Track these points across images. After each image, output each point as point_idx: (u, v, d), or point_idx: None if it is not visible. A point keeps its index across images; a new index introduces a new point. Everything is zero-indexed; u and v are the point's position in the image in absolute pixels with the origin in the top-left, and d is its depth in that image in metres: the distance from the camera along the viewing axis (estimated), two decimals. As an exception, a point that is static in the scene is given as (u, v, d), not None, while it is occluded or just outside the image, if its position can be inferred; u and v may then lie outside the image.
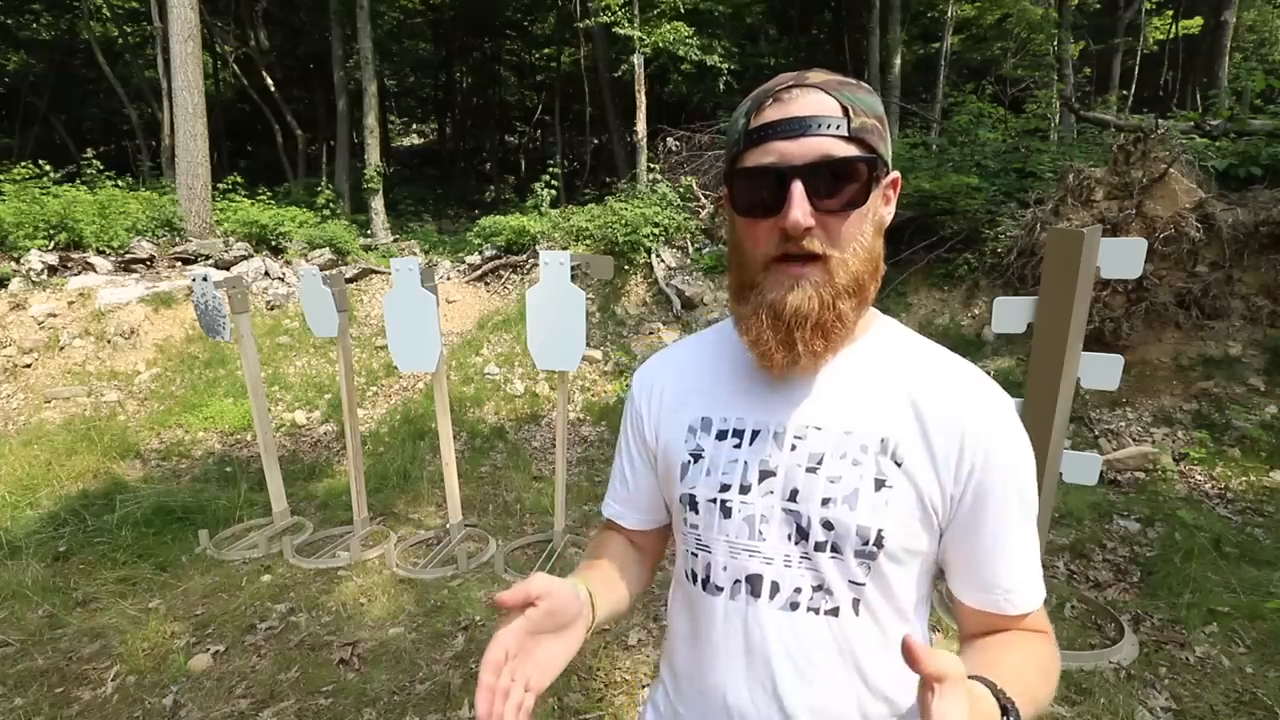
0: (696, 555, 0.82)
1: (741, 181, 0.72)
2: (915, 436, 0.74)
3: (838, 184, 0.69)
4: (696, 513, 0.80)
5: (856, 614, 0.75)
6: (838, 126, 0.68)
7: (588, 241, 7.46)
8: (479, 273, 7.73)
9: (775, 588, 0.76)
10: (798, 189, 0.68)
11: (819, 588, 0.75)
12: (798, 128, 0.68)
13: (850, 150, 0.69)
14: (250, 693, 2.49)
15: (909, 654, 0.54)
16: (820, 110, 0.69)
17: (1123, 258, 2.51)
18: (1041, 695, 0.71)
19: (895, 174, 0.76)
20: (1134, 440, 4.33)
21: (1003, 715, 0.61)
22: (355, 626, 2.88)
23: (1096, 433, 4.44)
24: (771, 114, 0.70)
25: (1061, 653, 2.69)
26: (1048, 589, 2.97)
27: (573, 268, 3.16)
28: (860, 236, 0.72)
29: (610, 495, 0.98)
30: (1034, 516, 0.76)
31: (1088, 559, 3.25)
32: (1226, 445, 4.11)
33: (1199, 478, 3.91)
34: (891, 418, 0.75)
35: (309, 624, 2.90)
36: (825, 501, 0.74)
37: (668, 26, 9.08)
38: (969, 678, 0.59)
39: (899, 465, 0.73)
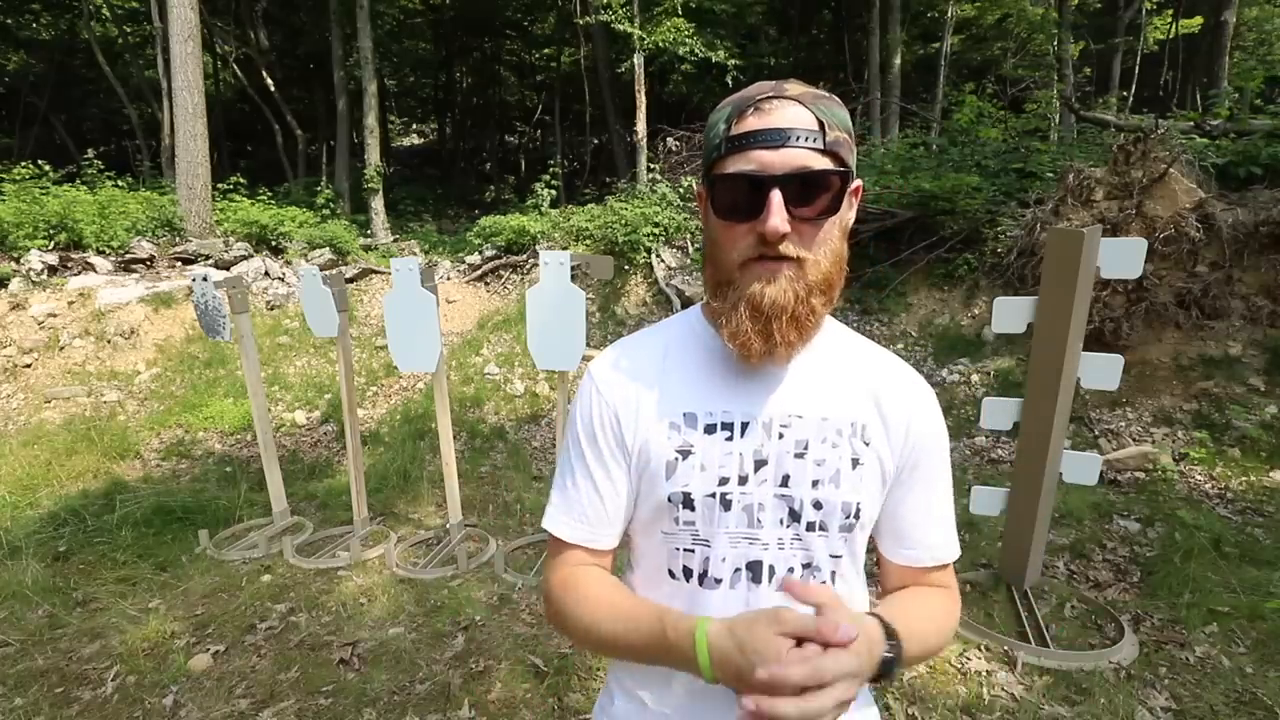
0: (693, 551, 0.82)
1: (722, 185, 0.76)
2: (876, 419, 0.84)
3: (813, 194, 0.73)
4: (692, 509, 0.80)
5: (834, 584, 0.83)
6: (814, 140, 0.73)
7: (588, 241, 7.46)
8: (479, 273, 7.73)
9: (772, 571, 0.81)
10: (776, 197, 0.72)
11: (808, 565, 0.81)
12: (778, 139, 0.72)
13: (825, 163, 0.73)
14: (250, 693, 2.49)
15: (790, 591, 0.69)
16: (798, 123, 0.73)
17: (1123, 258, 2.51)
18: (930, 635, 0.82)
19: (858, 182, 0.81)
20: (1134, 440, 4.33)
21: (887, 637, 0.72)
22: (355, 626, 2.88)
23: (1096, 433, 4.44)
24: (753, 123, 0.74)
25: (1061, 653, 2.68)
26: (1048, 589, 2.98)
27: (573, 268, 3.16)
28: (830, 240, 0.77)
29: (570, 514, 0.86)
30: (951, 485, 0.90)
31: (1088, 559, 3.25)
32: (1226, 445, 4.11)
33: (1199, 478, 3.91)
34: (857, 404, 0.84)
35: (309, 624, 2.90)
36: (815, 483, 0.80)
37: (668, 25, 9.08)
38: (868, 613, 0.75)
39: (867, 445, 0.83)
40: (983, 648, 2.58)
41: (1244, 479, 3.83)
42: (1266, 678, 2.37)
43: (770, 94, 0.74)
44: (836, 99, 0.77)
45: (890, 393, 0.85)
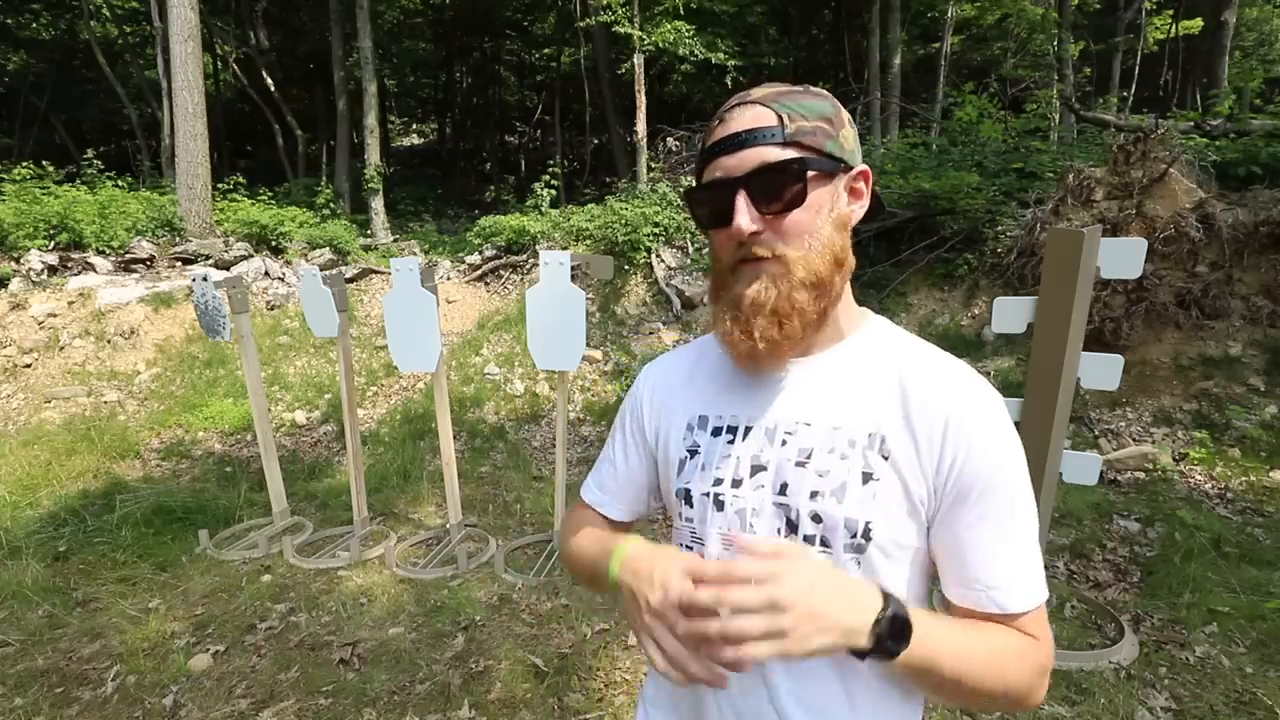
0: (691, 549, 0.84)
1: (699, 198, 0.79)
2: (902, 430, 0.75)
3: (778, 187, 0.73)
4: (691, 507, 0.84)
5: None
6: (773, 135, 0.73)
7: (588, 241, 7.46)
8: (479, 273, 7.73)
9: None
10: (740, 199, 0.73)
11: None
12: (736, 143, 0.74)
13: (786, 154, 0.73)
14: (250, 693, 2.49)
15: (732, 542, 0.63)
16: (756, 123, 0.74)
17: (1123, 258, 2.50)
18: (978, 659, 0.69)
19: (863, 167, 0.80)
20: (1134, 440, 4.33)
21: (884, 604, 0.64)
22: (355, 626, 2.88)
23: (1096, 433, 4.44)
24: (718, 133, 0.76)
25: (1061, 653, 2.67)
26: (1048, 589, 2.98)
27: (573, 268, 3.16)
28: (816, 233, 0.75)
29: (594, 480, 0.99)
30: (1026, 516, 0.74)
31: (1088, 559, 3.25)
32: (1226, 445, 4.11)
33: (1199, 478, 3.91)
34: (879, 413, 0.77)
35: (309, 624, 2.90)
36: (813, 495, 0.76)
37: (668, 26, 9.09)
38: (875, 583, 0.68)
39: (886, 459, 0.75)
40: (983, 648, 2.58)
41: (1244, 479, 3.82)
42: (1266, 678, 2.37)
43: (735, 103, 0.77)
44: (812, 90, 0.77)
45: (921, 403, 0.75)
